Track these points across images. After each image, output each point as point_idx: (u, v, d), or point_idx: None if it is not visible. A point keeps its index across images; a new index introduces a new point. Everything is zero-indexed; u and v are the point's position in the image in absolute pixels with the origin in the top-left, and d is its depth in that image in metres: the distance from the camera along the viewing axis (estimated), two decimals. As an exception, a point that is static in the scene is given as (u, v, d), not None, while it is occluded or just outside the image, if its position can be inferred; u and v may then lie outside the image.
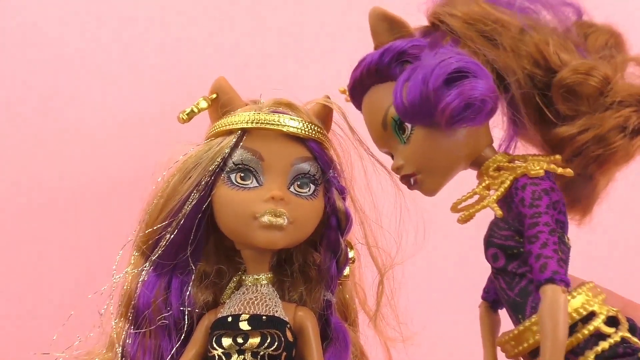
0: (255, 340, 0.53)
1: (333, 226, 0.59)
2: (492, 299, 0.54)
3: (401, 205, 0.62)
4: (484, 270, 0.52)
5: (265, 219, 0.54)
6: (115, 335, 0.56)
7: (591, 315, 0.45)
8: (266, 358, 0.53)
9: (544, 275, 0.42)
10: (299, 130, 0.56)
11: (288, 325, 0.55)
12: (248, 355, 0.53)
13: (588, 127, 0.47)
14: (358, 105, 0.54)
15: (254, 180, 0.55)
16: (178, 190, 0.55)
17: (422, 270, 0.71)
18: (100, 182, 0.85)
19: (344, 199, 0.60)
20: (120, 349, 0.55)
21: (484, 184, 0.50)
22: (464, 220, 0.50)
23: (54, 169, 0.84)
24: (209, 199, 0.56)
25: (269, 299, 0.57)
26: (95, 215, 0.82)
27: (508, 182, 0.47)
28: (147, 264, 0.57)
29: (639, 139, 0.48)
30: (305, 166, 0.57)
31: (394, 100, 0.47)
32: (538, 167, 0.47)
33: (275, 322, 0.55)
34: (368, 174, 0.63)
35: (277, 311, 0.56)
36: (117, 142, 0.85)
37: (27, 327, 0.78)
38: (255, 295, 0.57)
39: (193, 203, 0.55)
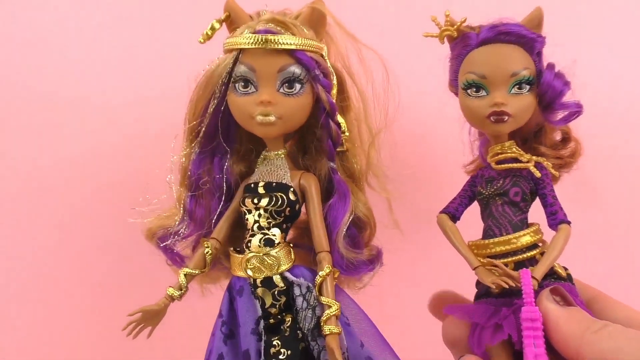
0: (265, 200, 0.75)
1: (322, 112, 0.76)
2: (454, 215, 0.79)
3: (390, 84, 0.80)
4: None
5: (258, 118, 0.72)
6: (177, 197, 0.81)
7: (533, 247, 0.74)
8: (273, 213, 0.74)
9: (566, 218, 0.72)
10: (286, 46, 0.71)
11: (291, 189, 0.75)
12: (261, 211, 0.75)
13: None
14: (471, 41, 0.75)
15: (252, 87, 0.72)
16: (202, 96, 0.75)
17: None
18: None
19: (328, 92, 0.75)
20: (182, 206, 0.80)
21: (516, 152, 0.76)
22: (499, 169, 0.76)
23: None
24: (224, 102, 0.75)
25: (280, 169, 0.77)
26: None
27: (533, 162, 0.75)
28: (195, 146, 0.79)
29: None
30: (291, 70, 0.72)
31: (546, 79, 0.73)
32: (545, 162, 0.76)
33: (281, 187, 0.75)
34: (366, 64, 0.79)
35: (284, 179, 0.76)
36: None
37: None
38: (271, 167, 0.78)
39: (214, 106, 0.74)
